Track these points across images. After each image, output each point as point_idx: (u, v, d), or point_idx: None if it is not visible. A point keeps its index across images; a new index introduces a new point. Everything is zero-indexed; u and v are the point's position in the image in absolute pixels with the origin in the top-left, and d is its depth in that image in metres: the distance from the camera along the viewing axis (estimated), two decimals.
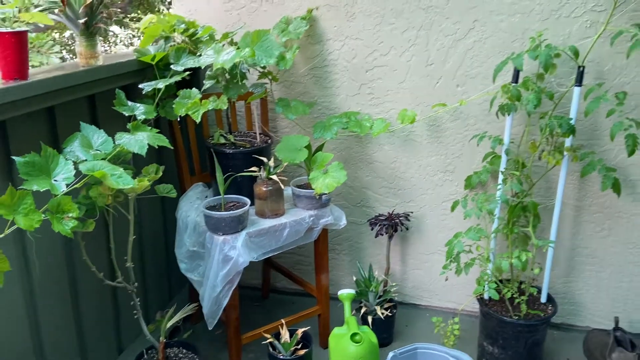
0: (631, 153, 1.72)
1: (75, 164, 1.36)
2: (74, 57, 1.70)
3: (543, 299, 2.02)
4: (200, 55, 1.87)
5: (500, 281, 2.01)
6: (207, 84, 1.85)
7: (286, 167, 2.00)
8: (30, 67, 1.47)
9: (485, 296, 2.03)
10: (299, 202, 1.97)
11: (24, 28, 1.43)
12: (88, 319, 1.78)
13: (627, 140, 1.72)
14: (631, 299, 2.19)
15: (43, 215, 1.23)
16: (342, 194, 2.37)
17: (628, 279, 2.17)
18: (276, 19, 2.14)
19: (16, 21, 1.60)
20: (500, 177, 1.93)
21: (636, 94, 1.94)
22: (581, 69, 1.79)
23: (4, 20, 1.47)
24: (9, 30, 1.39)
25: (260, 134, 2.08)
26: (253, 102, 2.13)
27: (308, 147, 1.95)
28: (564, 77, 1.97)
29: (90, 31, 1.64)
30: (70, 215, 1.28)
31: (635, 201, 2.07)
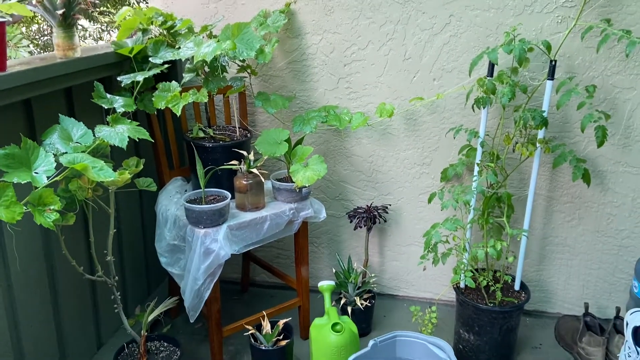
0: (600, 144, 1.79)
1: (55, 156, 1.34)
2: (42, 51, 1.67)
3: (517, 287, 2.09)
4: (179, 48, 1.86)
5: (476, 270, 2.07)
6: (187, 77, 1.85)
7: (266, 161, 2.01)
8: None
9: (462, 285, 2.08)
10: (279, 195, 1.99)
11: (2, 19, 1.40)
12: (67, 313, 1.76)
13: (597, 131, 1.78)
14: (600, 286, 2.28)
15: (25, 208, 1.21)
16: (321, 187, 2.39)
17: (597, 266, 2.26)
18: (254, 13, 2.14)
19: None
20: (476, 168, 1.98)
21: (605, 87, 2.02)
22: (553, 63, 1.84)
23: None
24: None
25: (239, 127, 2.09)
26: (231, 96, 2.13)
27: (288, 140, 1.97)
28: (537, 71, 2.03)
29: (68, 22, 1.62)
30: (52, 207, 1.27)
31: (603, 191, 2.15)
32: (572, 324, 2.19)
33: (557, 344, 2.19)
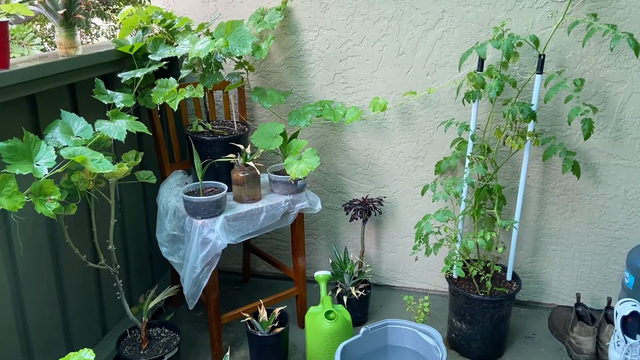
0: (587, 136, 1.82)
1: (57, 149, 1.42)
2: (56, 49, 1.75)
3: (508, 277, 2.13)
4: (177, 45, 1.93)
5: (468, 261, 2.11)
6: (184, 73, 1.92)
7: (263, 154, 2.08)
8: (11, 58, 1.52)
9: (454, 275, 2.13)
10: (275, 188, 2.05)
11: (4, 18, 1.48)
12: (72, 300, 1.84)
13: (584, 124, 1.82)
14: (593, 277, 2.31)
15: (26, 198, 1.29)
16: (319, 180, 2.45)
17: (590, 258, 2.29)
18: (252, 10, 2.21)
19: None
20: (467, 161, 2.02)
21: (596, 80, 2.05)
22: (542, 57, 1.88)
23: None
24: None
25: (237, 122, 2.15)
26: (230, 92, 2.20)
27: (283, 134, 2.03)
28: (528, 65, 2.07)
29: (69, 22, 1.69)
30: (52, 197, 1.34)
31: (595, 183, 2.18)
32: (565, 314, 2.23)
33: (550, 334, 2.23)
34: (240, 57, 2.10)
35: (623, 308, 1.94)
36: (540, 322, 2.31)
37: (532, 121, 1.91)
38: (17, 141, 1.33)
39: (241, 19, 1.91)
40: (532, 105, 1.88)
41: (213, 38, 1.81)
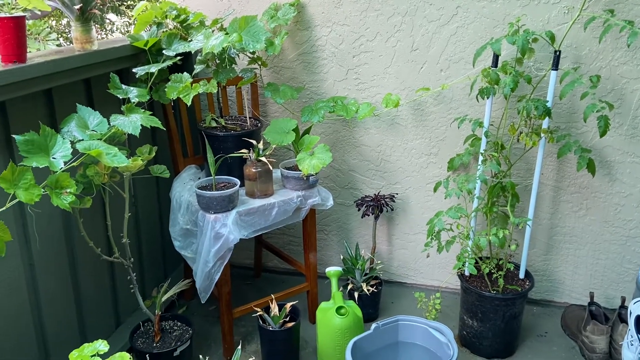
0: (603, 134, 1.80)
1: (73, 143, 1.43)
2: (71, 44, 1.77)
3: (521, 275, 2.11)
4: (191, 40, 1.94)
5: (480, 258, 2.10)
6: (198, 68, 1.93)
7: (275, 150, 2.08)
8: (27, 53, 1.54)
9: (466, 272, 2.12)
10: (287, 183, 2.06)
11: (21, 13, 1.50)
12: (86, 292, 1.87)
13: (599, 121, 1.80)
14: (607, 276, 2.29)
15: (42, 190, 1.31)
16: (331, 176, 2.45)
17: (604, 256, 2.26)
18: (265, 6, 2.21)
19: (13, 8, 1.67)
20: (480, 158, 2.01)
21: (612, 77, 2.02)
22: (557, 53, 1.86)
23: (2, 6, 1.54)
24: (8, 15, 1.46)
25: (250, 117, 2.16)
26: (243, 87, 2.20)
27: (296, 130, 2.03)
28: (544, 61, 2.05)
29: (85, 17, 1.71)
30: (68, 190, 1.36)
31: (611, 181, 2.15)
32: (578, 313, 2.21)
33: (562, 333, 2.22)
34: (253, 53, 2.10)
35: (637, 307, 1.91)
36: (552, 320, 2.29)
37: (547, 118, 1.89)
38: (34, 134, 1.35)
39: (255, 15, 1.91)
40: (547, 101, 1.87)
41: (227, 33, 1.81)
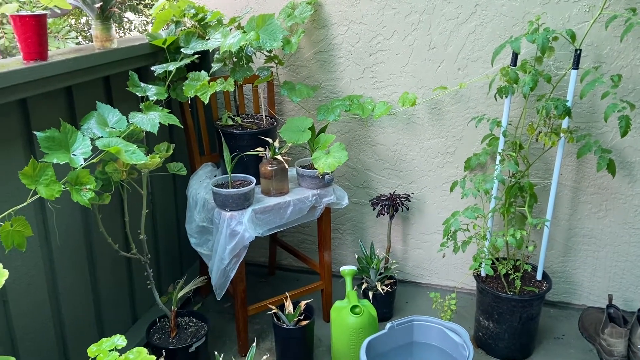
0: (624, 134, 1.77)
1: (92, 140, 1.45)
2: (90, 43, 1.79)
3: (539, 277, 2.09)
4: (208, 39, 1.95)
5: (497, 259, 2.08)
6: (215, 66, 1.94)
7: (291, 148, 2.08)
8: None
9: (482, 273, 2.10)
10: (302, 182, 2.06)
11: (42, 11, 1.52)
12: (104, 288, 1.89)
13: (620, 121, 1.77)
14: (626, 278, 2.25)
15: (63, 187, 1.33)
16: (346, 175, 2.45)
17: (624, 259, 2.23)
18: (282, 4, 2.21)
19: (34, 6, 1.70)
20: (498, 157, 1.99)
21: (634, 76, 1.99)
22: (578, 52, 1.83)
23: (23, 4, 1.56)
24: (30, 13, 1.48)
25: (266, 116, 2.17)
26: (260, 86, 2.21)
27: (311, 128, 2.03)
28: (564, 60, 2.02)
29: (105, 15, 1.73)
30: (88, 187, 1.38)
31: (631, 182, 2.12)
32: (596, 315, 2.18)
33: (580, 335, 2.19)
34: (270, 51, 2.11)
35: None
36: (570, 323, 2.27)
37: (566, 117, 1.87)
38: (54, 131, 1.37)
39: (272, 13, 1.91)
40: (567, 101, 1.84)
41: (244, 32, 1.82)
